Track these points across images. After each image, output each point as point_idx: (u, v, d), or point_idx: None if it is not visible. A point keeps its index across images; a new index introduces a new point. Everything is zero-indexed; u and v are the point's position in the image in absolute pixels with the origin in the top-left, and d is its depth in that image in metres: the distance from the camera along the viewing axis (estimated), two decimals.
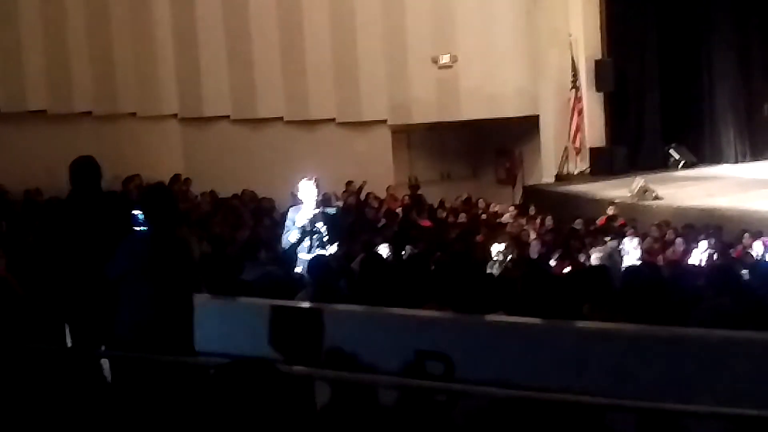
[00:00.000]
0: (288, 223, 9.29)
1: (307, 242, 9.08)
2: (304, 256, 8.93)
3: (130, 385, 5.70)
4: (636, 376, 5.04)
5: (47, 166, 15.33)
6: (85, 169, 6.25)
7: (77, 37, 16.96)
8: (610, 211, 16.07)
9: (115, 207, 6.52)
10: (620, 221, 15.26)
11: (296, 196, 10.09)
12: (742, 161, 21.14)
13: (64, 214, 6.31)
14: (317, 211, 9.23)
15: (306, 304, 6.61)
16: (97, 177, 6.32)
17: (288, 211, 9.80)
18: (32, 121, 16.24)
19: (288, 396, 2.68)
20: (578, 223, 15.26)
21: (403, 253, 11.50)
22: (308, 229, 9.08)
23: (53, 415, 2.66)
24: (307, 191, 9.29)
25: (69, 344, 6.23)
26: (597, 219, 15.88)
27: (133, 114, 18.08)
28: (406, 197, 18.11)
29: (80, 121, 16.96)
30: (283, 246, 9.34)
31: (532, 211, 16.98)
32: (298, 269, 8.84)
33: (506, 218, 16.46)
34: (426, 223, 15.90)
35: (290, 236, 9.12)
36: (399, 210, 16.93)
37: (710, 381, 4.85)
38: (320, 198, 9.60)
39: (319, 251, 8.92)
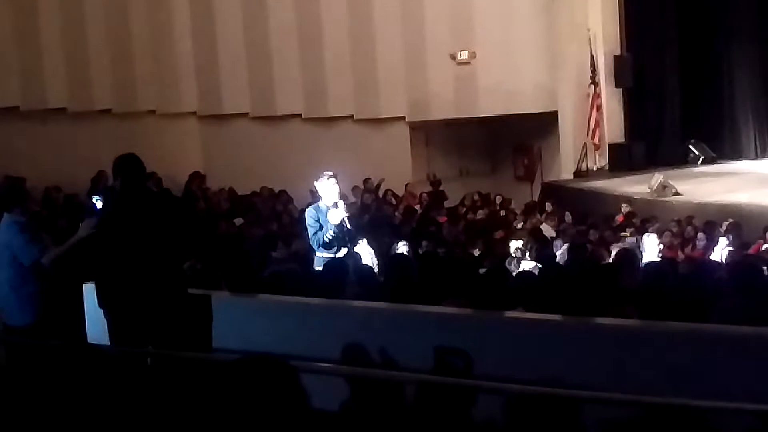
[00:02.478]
0: (311, 222, 9.09)
1: (336, 242, 8.99)
2: (323, 254, 8.88)
3: (143, 379, 5.77)
4: (655, 372, 5.03)
5: (67, 163, 15.46)
6: (133, 166, 6.31)
7: (97, 35, 17.04)
8: (624, 209, 16.00)
9: (167, 203, 6.63)
10: (639, 219, 15.18)
11: (315, 193, 10.00)
12: (762, 157, 21.00)
13: (120, 211, 6.34)
14: (345, 207, 9.17)
15: (319, 301, 6.62)
16: (144, 174, 6.40)
17: (306, 209, 9.66)
18: (52, 118, 16.33)
19: (300, 392, 2.69)
20: (597, 220, 15.21)
21: (421, 250, 11.48)
22: (345, 228, 9.00)
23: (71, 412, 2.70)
24: (328, 188, 9.16)
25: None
26: (616, 215, 15.82)
27: (153, 111, 18.16)
28: (425, 194, 18.11)
29: (100, 119, 17.05)
30: (314, 246, 9.09)
31: (548, 207, 16.92)
32: (318, 267, 8.74)
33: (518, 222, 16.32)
34: (444, 220, 15.89)
35: (326, 235, 8.95)
36: (417, 207, 16.92)
37: (731, 377, 4.84)
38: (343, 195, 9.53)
39: (345, 250, 8.88)
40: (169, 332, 6.16)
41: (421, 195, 17.92)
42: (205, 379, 5.49)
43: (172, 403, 5.44)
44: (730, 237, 12.76)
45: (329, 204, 9.04)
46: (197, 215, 12.70)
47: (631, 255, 8.19)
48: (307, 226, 9.14)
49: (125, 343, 6.09)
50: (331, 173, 9.23)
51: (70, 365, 2.93)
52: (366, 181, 17.46)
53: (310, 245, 9.23)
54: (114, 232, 6.19)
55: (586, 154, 20.50)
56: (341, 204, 9.09)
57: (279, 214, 15.08)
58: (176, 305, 6.21)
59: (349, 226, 9.07)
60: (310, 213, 9.19)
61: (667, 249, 12.57)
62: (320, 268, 8.31)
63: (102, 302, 6.30)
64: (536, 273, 8.40)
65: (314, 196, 10.60)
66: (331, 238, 8.90)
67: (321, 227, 8.97)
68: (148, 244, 6.13)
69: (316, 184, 9.39)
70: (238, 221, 13.30)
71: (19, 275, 6.78)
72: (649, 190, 17.02)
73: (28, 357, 6.18)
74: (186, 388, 5.60)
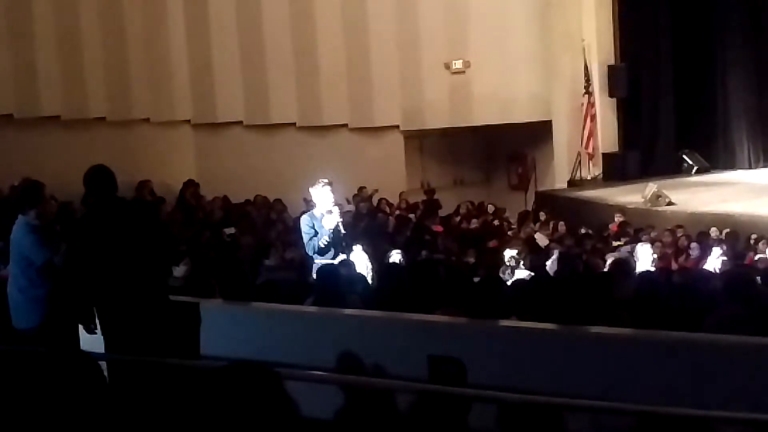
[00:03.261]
0: (306, 229, 9.11)
1: (331, 248, 8.98)
2: (320, 260, 8.87)
3: (128, 386, 5.74)
4: (649, 381, 5.03)
5: (61, 171, 15.41)
6: (103, 177, 6.28)
7: (91, 43, 17.03)
8: (618, 218, 16.02)
9: (141, 213, 6.60)
10: (632, 228, 15.20)
11: (309, 201, 10.00)
12: (756, 167, 21.06)
13: (93, 224, 6.31)
14: (339, 213, 9.17)
15: (313, 309, 6.61)
16: (115, 184, 6.36)
17: (301, 217, 9.68)
18: (47, 126, 16.30)
19: (286, 399, 2.68)
20: (591, 229, 15.22)
21: (419, 258, 11.46)
22: (339, 233, 9.01)
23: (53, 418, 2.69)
24: (323, 195, 9.17)
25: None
26: (609, 225, 15.84)
27: (147, 120, 18.14)
28: (421, 203, 18.10)
29: (94, 127, 17.02)
30: (310, 253, 9.11)
31: (542, 216, 16.95)
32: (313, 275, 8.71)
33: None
34: (439, 228, 15.88)
35: (320, 241, 8.98)
36: (412, 216, 16.91)
37: (725, 386, 4.84)
38: (339, 202, 9.51)
39: (342, 256, 8.87)
40: (152, 340, 6.11)
41: (416, 204, 17.91)
42: (193, 386, 5.47)
43: (160, 411, 5.42)
44: (724, 247, 12.79)
45: (324, 210, 9.07)
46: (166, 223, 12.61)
47: (626, 264, 8.20)
48: (303, 233, 9.17)
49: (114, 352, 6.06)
50: (326, 180, 9.26)
51: (59, 371, 2.92)
52: (360, 189, 17.45)
53: (306, 253, 9.24)
54: (88, 245, 6.16)
55: (580, 163, 20.53)
56: (336, 209, 9.12)
57: (273, 223, 15.07)
58: (157, 314, 6.16)
59: (343, 231, 9.10)
60: (305, 220, 9.23)
61: (660, 259, 12.58)
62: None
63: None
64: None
65: (308, 205, 10.60)
66: (326, 244, 8.93)
67: (316, 234, 9.01)
68: (123, 255, 6.09)
69: (310, 190, 9.42)
70: (229, 230, 13.24)
71: (26, 277, 6.75)
72: (642, 200, 17.04)
73: (23, 362, 6.15)
74: (174, 395, 5.58)
